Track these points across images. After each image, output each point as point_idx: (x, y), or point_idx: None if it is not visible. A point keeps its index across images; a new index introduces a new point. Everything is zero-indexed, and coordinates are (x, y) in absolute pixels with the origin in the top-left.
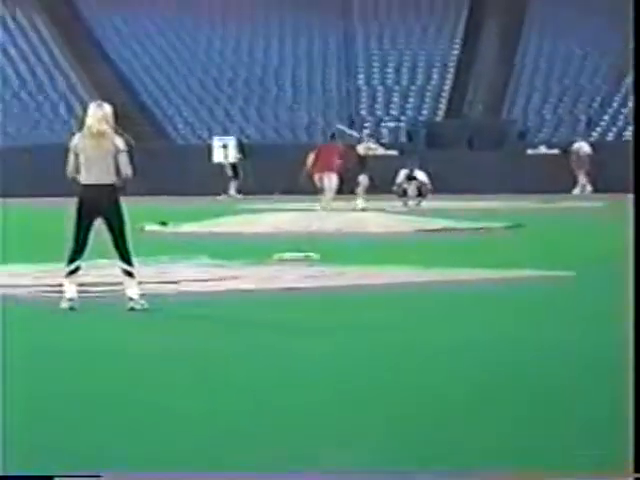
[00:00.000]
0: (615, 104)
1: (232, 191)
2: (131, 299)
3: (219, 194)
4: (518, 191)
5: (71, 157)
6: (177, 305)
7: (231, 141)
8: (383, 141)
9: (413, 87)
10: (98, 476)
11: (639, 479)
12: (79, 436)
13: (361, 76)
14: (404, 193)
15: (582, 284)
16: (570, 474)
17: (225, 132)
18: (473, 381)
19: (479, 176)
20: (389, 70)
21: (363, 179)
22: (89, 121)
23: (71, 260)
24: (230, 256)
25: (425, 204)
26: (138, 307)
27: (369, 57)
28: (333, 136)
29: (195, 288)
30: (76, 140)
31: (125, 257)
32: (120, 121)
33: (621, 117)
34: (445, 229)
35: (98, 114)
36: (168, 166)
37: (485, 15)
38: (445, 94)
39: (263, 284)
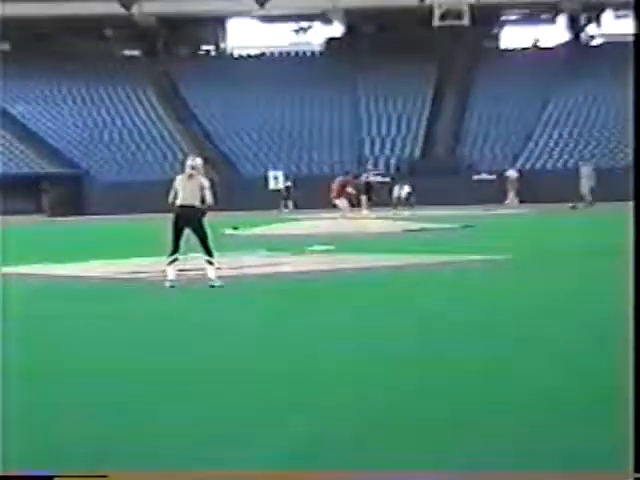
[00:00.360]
0: (532, 144)
1: (285, 207)
2: (210, 279)
3: (273, 209)
4: (469, 203)
5: (172, 191)
6: (243, 282)
7: (280, 173)
8: (380, 172)
9: (399, 135)
10: (104, 476)
11: (639, 479)
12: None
13: (364, 129)
14: (399, 201)
15: (517, 264)
16: (570, 474)
17: (275, 168)
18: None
19: (443, 194)
20: (383, 125)
21: (363, 198)
22: (185, 168)
23: (171, 254)
24: (279, 249)
25: (408, 213)
26: (216, 285)
27: (370, 116)
28: (347, 172)
29: (255, 271)
30: (178, 179)
31: (207, 251)
32: (207, 163)
33: (535, 153)
34: (422, 229)
35: (190, 164)
36: (239, 191)
37: (446, 88)
38: (420, 139)
39: (299, 267)
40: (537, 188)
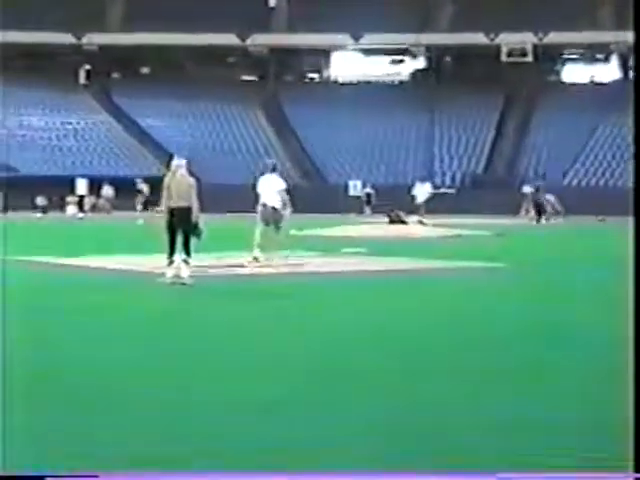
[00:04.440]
0: (578, 165)
1: (367, 211)
2: (182, 277)
3: (351, 213)
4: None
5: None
6: (258, 279)
7: (359, 182)
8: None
9: (466, 154)
10: (95, 476)
11: (639, 479)
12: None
13: (437, 146)
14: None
15: (511, 271)
16: (571, 474)
17: (357, 177)
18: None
19: (497, 204)
20: (453, 143)
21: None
22: (172, 167)
23: (169, 256)
24: (318, 249)
25: (450, 220)
26: (187, 283)
27: (442, 136)
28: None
29: (272, 270)
30: (167, 180)
31: (187, 251)
32: (300, 173)
33: (581, 173)
34: (458, 235)
35: (175, 163)
36: (325, 197)
37: (509, 114)
38: (484, 157)
39: (324, 268)
40: (582, 202)
